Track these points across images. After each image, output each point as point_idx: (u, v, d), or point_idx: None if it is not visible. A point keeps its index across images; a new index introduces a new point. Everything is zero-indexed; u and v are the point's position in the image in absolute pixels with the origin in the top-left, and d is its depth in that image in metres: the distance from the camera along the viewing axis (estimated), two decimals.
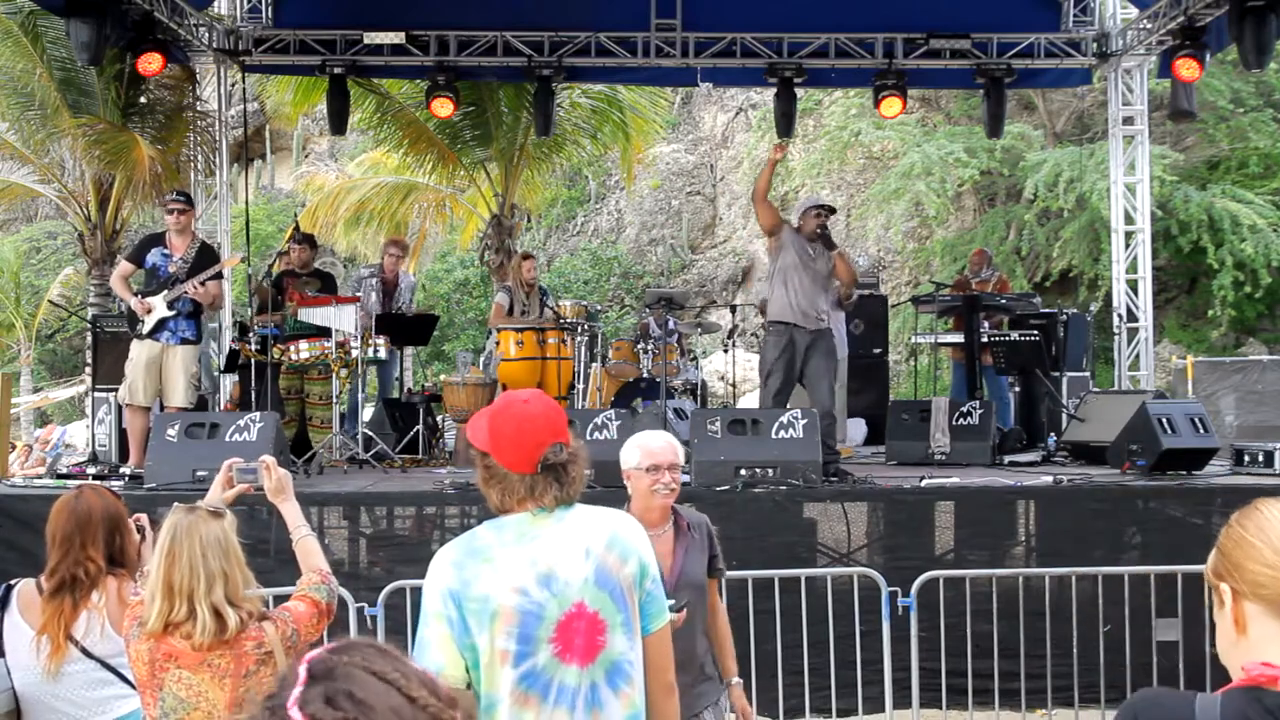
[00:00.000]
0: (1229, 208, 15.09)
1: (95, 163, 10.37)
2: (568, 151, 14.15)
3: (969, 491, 6.63)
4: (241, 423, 6.62)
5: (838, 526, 6.46)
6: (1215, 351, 15.76)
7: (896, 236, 19.32)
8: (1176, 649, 5.69)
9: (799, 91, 10.71)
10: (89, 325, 9.04)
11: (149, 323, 7.16)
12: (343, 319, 7.94)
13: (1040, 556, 6.36)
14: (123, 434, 7.74)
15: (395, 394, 9.89)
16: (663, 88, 13.63)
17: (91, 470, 7.47)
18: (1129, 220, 10.37)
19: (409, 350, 10.52)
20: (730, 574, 4.23)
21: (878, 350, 11.00)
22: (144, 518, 3.45)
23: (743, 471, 6.41)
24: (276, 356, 8.00)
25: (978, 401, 8.37)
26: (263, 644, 2.78)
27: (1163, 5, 9.20)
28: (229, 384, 9.53)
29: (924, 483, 6.70)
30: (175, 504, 2.91)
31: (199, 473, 6.24)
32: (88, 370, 10.26)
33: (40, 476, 8.52)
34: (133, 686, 3.02)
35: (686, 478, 6.07)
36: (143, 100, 10.49)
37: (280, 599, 3.28)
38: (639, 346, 9.78)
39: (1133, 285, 10.32)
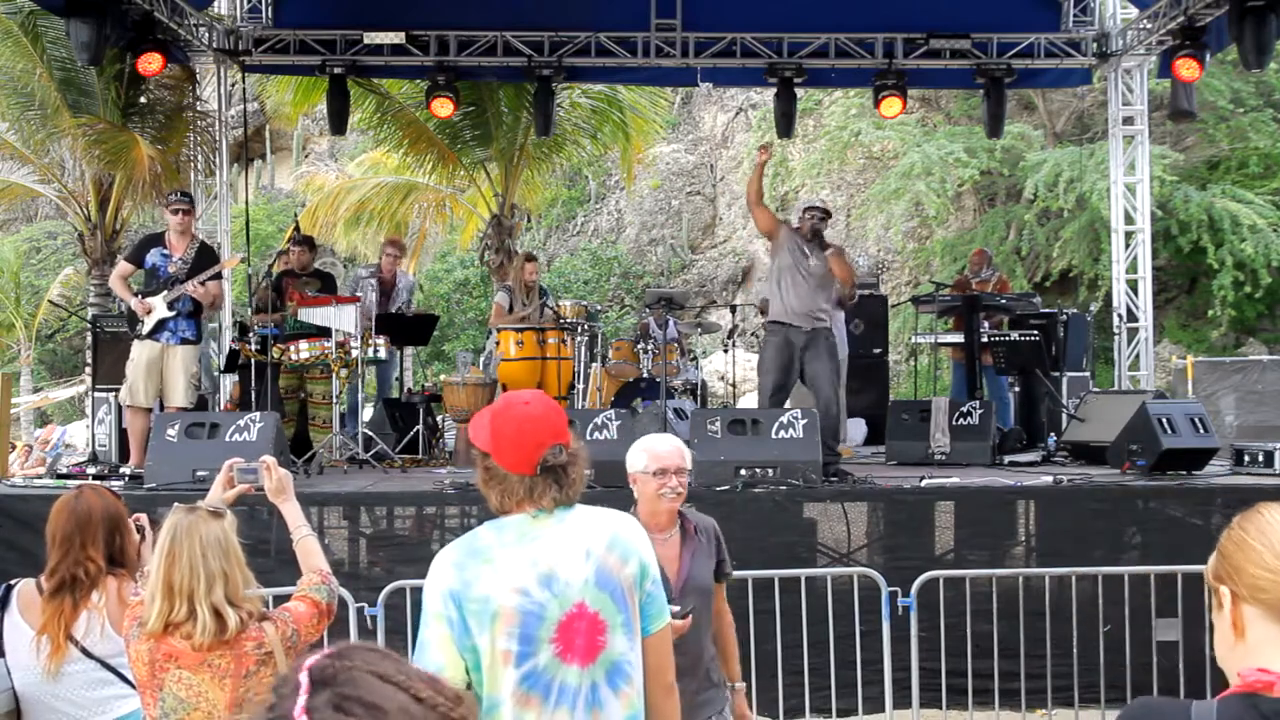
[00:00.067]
0: (1229, 208, 15.09)
1: (95, 163, 10.37)
2: (568, 151, 14.15)
3: (969, 491, 6.63)
4: (241, 423, 6.62)
5: (838, 526, 6.47)
6: (1215, 351, 15.76)
7: (896, 236, 19.32)
8: (1176, 649, 5.69)
9: (799, 91, 10.71)
10: (89, 325, 9.04)
11: (149, 323, 7.16)
12: (343, 319, 7.94)
13: (1040, 556, 6.36)
14: (123, 434, 7.74)
15: (395, 394, 9.90)
16: (663, 88, 13.63)
17: (91, 470, 7.47)
18: (1129, 220, 10.37)
19: (409, 350, 10.52)
20: None
21: (878, 350, 11.00)
22: (144, 518, 3.45)
23: (743, 471, 6.42)
24: (276, 356, 8.00)
25: (978, 401, 8.37)
26: (263, 644, 2.78)
27: (1163, 5, 9.20)
28: (229, 384, 9.53)
29: (924, 483, 6.70)
30: (175, 504, 2.91)
31: (199, 473, 6.25)
32: (88, 370, 10.26)
33: (40, 476, 8.52)
34: (133, 686, 3.02)
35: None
36: (143, 100, 10.49)
37: (281, 599, 3.28)
38: (639, 346, 9.78)
39: (1133, 285, 10.32)
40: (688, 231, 23.38)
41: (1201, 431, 6.90)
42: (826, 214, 7.32)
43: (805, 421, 6.60)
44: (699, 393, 10.33)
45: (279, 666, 2.78)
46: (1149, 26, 9.56)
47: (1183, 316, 17.45)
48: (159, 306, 7.15)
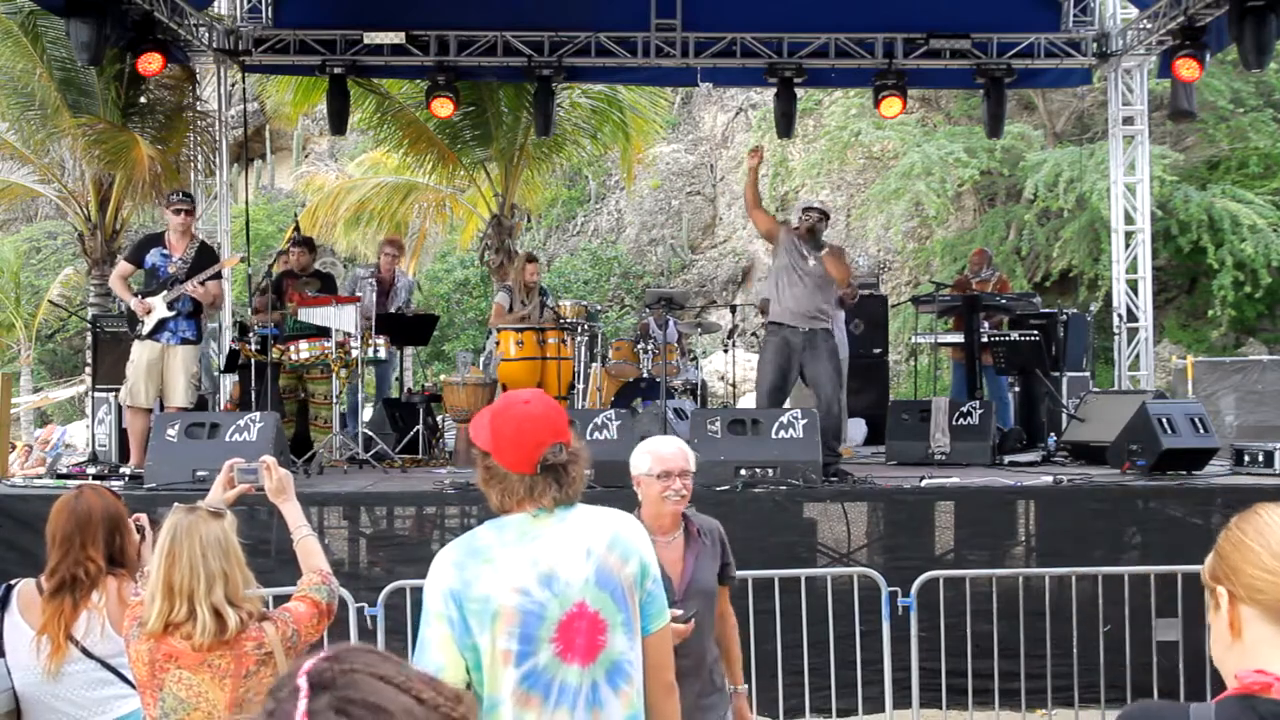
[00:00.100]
0: (1229, 208, 15.09)
1: (95, 163, 10.37)
2: (568, 151, 14.15)
3: (969, 491, 6.63)
4: (241, 423, 6.62)
5: (838, 526, 6.46)
6: (1215, 351, 15.76)
7: (896, 236, 19.32)
8: (1176, 649, 5.69)
9: (799, 91, 10.71)
10: (89, 325, 9.04)
11: (149, 323, 7.16)
12: (343, 319, 7.94)
13: (1040, 556, 6.35)
14: (123, 434, 7.74)
15: (395, 394, 9.90)
16: (663, 88, 13.63)
17: (91, 470, 7.47)
18: (1129, 220, 10.37)
19: (409, 350, 10.52)
20: None
21: (878, 350, 11.00)
22: (144, 518, 3.45)
23: (743, 471, 6.42)
24: (276, 357, 8.00)
25: (978, 401, 8.37)
26: (263, 644, 2.78)
27: (1163, 5, 9.20)
28: (229, 384, 9.53)
29: (924, 483, 6.70)
30: (175, 504, 2.90)
31: (199, 473, 6.24)
32: (88, 370, 10.25)
33: (40, 476, 8.52)
34: (133, 686, 3.02)
35: None
36: (143, 100, 10.49)
37: (281, 599, 3.28)
38: (639, 346, 9.78)
39: (1133, 285, 10.32)
40: (688, 231, 23.38)
41: (1201, 431, 6.90)
42: (824, 215, 7.27)
43: (805, 421, 6.60)
44: (699, 393, 10.33)
45: (279, 667, 2.78)
46: (1149, 26, 9.56)
47: (1183, 316, 17.45)
48: (159, 307, 7.15)
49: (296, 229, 9.47)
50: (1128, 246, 10.34)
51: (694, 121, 24.40)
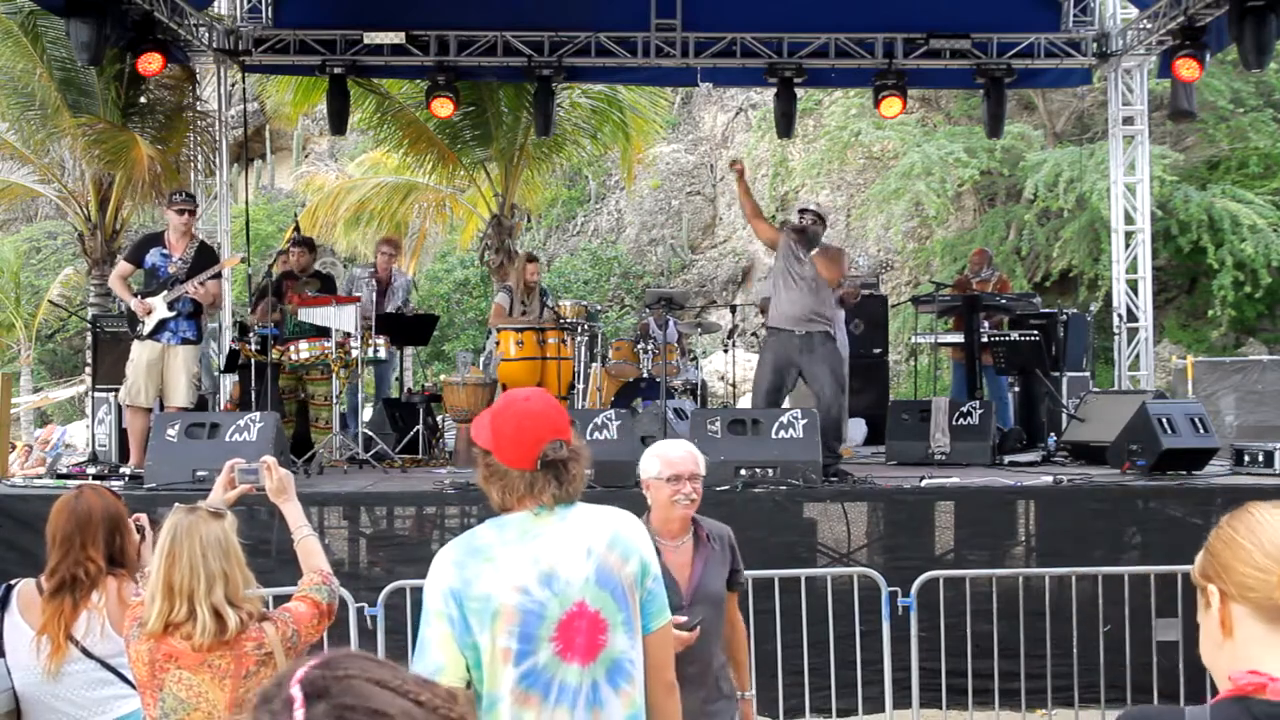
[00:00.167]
0: (1229, 208, 15.09)
1: (95, 163, 10.37)
2: (568, 151, 14.15)
3: (969, 491, 6.62)
4: (241, 423, 6.62)
5: (838, 526, 6.46)
6: (1215, 351, 15.76)
7: (896, 236, 19.32)
8: (1176, 649, 5.68)
9: (799, 91, 10.71)
10: (89, 325, 9.04)
11: (149, 323, 7.16)
12: (342, 319, 7.94)
13: (1040, 556, 6.35)
14: (123, 434, 7.74)
15: (395, 394, 9.90)
16: (663, 88, 13.63)
17: (91, 470, 7.46)
18: (1129, 220, 10.37)
19: (409, 350, 10.52)
20: None
21: (878, 350, 11.00)
22: (144, 518, 3.45)
23: (743, 471, 6.41)
24: (276, 357, 8.00)
25: (978, 401, 8.37)
26: (263, 645, 2.78)
27: (1163, 5, 9.20)
28: (229, 384, 9.53)
29: (924, 483, 6.70)
30: (175, 504, 2.90)
31: (199, 473, 6.24)
32: (88, 370, 10.25)
33: (40, 476, 8.52)
34: (133, 686, 3.02)
35: None
36: (143, 100, 10.49)
37: (281, 599, 3.28)
38: (639, 346, 9.78)
39: (1133, 285, 10.32)
40: (688, 231, 23.38)
41: (1201, 431, 6.90)
42: (819, 218, 7.21)
43: (805, 421, 6.60)
44: (699, 393, 10.34)
45: (279, 667, 2.78)
46: (1149, 26, 9.56)
47: (1183, 316, 17.45)
48: (159, 307, 7.15)
49: (296, 229, 9.47)
50: (1128, 246, 10.34)
51: (694, 121, 24.41)
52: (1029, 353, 8.81)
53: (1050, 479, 6.82)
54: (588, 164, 20.20)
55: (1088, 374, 9.51)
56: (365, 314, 8.22)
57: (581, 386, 9.24)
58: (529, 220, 20.16)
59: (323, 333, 8.01)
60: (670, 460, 3.33)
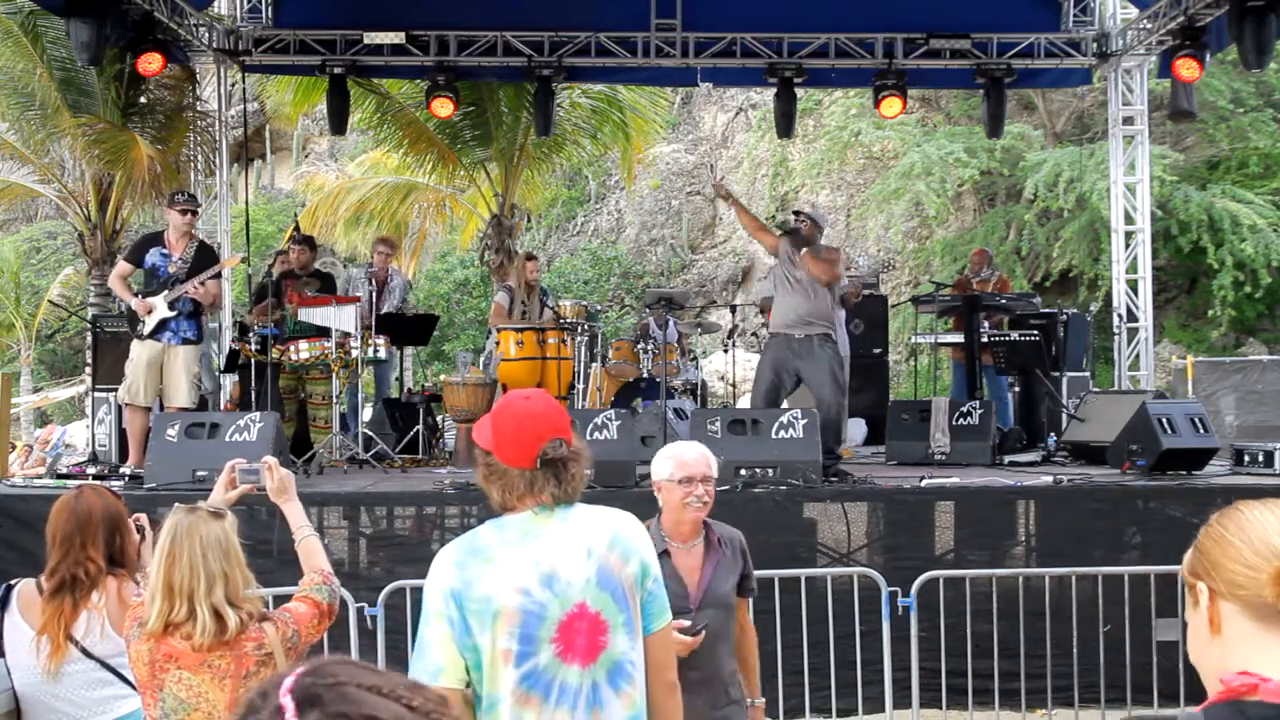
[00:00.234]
0: (1229, 208, 15.09)
1: (95, 163, 10.37)
2: (568, 151, 14.15)
3: (969, 491, 6.62)
4: (241, 423, 6.62)
5: (838, 526, 6.46)
6: (1215, 351, 15.76)
7: (896, 236, 19.32)
8: (1176, 649, 5.68)
9: (799, 91, 10.71)
10: (89, 325, 9.04)
11: (150, 323, 7.16)
12: (342, 319, 7.94)
13: (1040, 556, 6.35)
14: (123, 434, 7.74)
15: (395, 394, 9.90)
16: (663, 88, 13.63)
17: (91, 470, 7.46)
18: (1129, 220, 10.37)
19: (409, 350, 10.52)
20: None
21: (878, 350, 11.00)
22: (144, 518, 3.45)
23: (743, 471, 6.41)
24: (276, 357, 8.00)
25: (978, 401, 8.37)
26: (263, 645, 2.78)
27: (1163, 5, 9.20)
28: (229, 384, 9.53)
29: (924, 483, 6.70)
30: (176, 504, 2.90)
31: (199, 473, 6.24)
32: (88, 370, 10.25)
33: (40, 476, 8.52)
34: (133, 687, 3.02)
35: None
36: (143, 100, 10.49)
37: (282, 599, 3.28)
38: (639, 346, 9.78)
39: (1133, 285, 10.32)
40: (688, 231, 23.38)
41: (1201, 431, 6.90)
42: (811, 219, 7.17)
43: (805, 421, 6.60)
44: (699, 393, 10.34)
45: (279, 667, 2.78)
46: (1149, 26, 9.56)
47: (1183, 316, 17.45)
48: (160, 306, 7.15)
49: (296, 229, 9.47)
50: (1128, 246, 10.34)
51: (694, 121, 24.41)
52: (1029, 353, 8.81)
53: (1050, 479, 6.82)
54: (588, 164, 20.20)
55: (1088, 374, 9.51)
56: (362, 314, 8.22)
57: (581, 386, 9.24)
58: (529, 220, 20.16)
59: (323, 333, 8.00)
60: (683, 462, 3.31)
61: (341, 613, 4.53)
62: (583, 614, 2.31)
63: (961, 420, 8.06)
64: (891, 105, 10.13)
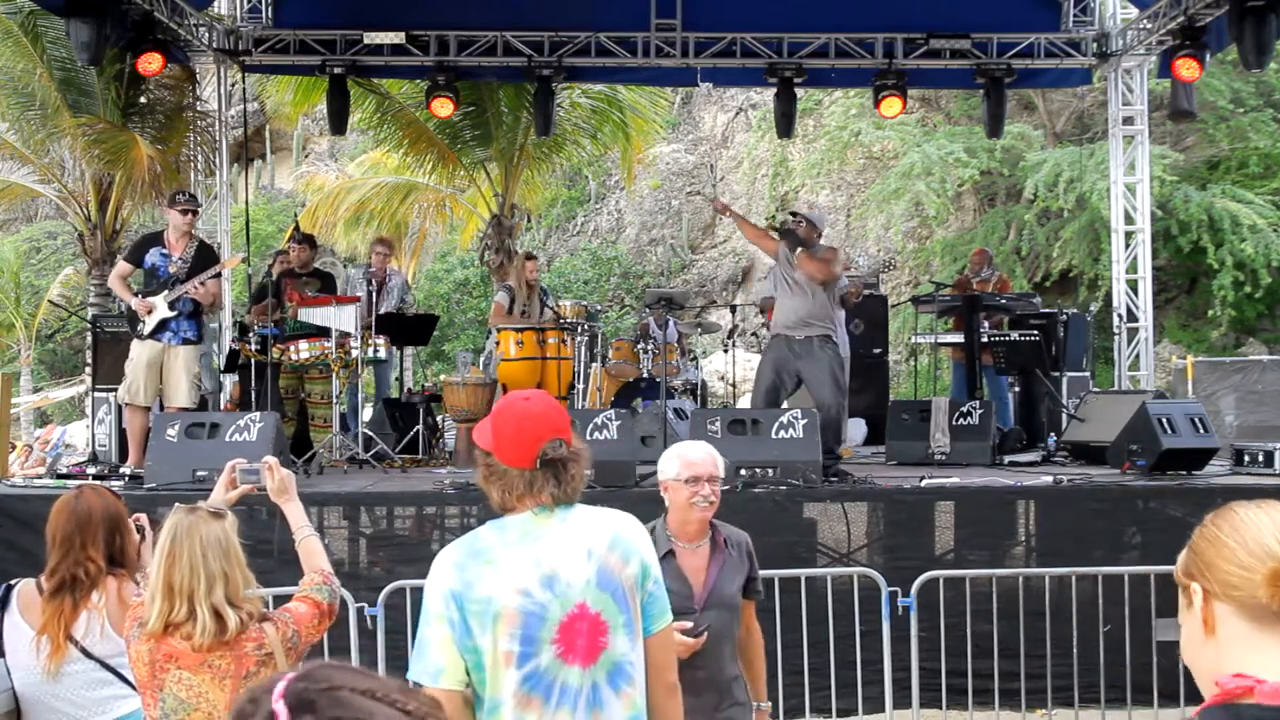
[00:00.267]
0: (1229, 208, 15.09)
1: (95, 163, 10.37)
2: (568, 151, 14.15)
3: (969, 491, 6.62)
4: (241, 423, 6.62)
5: (838, 526, 6.46)
6: (1215, 351, 15.76)
7: (896, 236, 19.32)
8: (1176, 649, 5.67)
9: (799, 91, 10.71)
10: (89, 325, 9.04)
11: (150, 323, 7.16)
12: (342, 319, 7.94)
13: (1040, 556, 6.35)
14: (123, 434, 7.74)
15: (395, 394, 9.90)
16: (663, 88, 13.63)
17: (91, 470, 7.46)
18: (1129, 220, 10.37)
19: (409, 350, 10.52)
20: None
21: (878, 350, 11.00)
22: (144, 518, 3.45)
23: (743, 471, 6.41)
24: (276, 356, 8.00)
25: (978, 401, 8.37)
26: (263, 645, 2.78)
27: (1163, 5, 9.20)
28: (229, 384, 9.53)
29: (924, 483, 6.70)
30: (176, 504, 2.90)
31: (199, 473, 6.24)
32: (88, 370, 10.25)
33: (40, 476, 8.52)
34: (132, 687, 3.02)
35: None
36: (143, 100, 10.49)
37: (282, 599, 3.28)
38: (639, 346, 9.78)
39: (1133, 285, 10.32)
40: (688, 231, 23.38)
41: (1201, 431, 6.90)
42: (806, 220, 7.15)
43: (805, 421, 6.60)
44: (699, 393, 10.34)
45: (279, 668, 2.78)
46: (1149, 26, 9.56)
47: (1183, 316, 17.45)
48: (160, 306, 7.15)
49: (296, 229, 9.47)
50: (1128, 246, 10.34)
51: (694, 121, 24.40)
52: (1029, 353, 8.81)
53: (1050, 479, 6.82)
54: (588, 164, 20.20)
55: (1088, 374, 9.51)
56: (361, 314, 8.21)
57: (581, 386, 9.24)
58: (529, 220, 20.16)
59: (323, 332, 8.00)
60: (690, 461, 3.31)
61: (341, 613, 4.53)
62: (583, 615, 2.31)
63: (961, 420, 8.06)
64: (891, 105, 10.13)
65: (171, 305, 7.14)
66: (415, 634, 2.34)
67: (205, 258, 7.32)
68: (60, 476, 7.61)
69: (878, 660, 5.55)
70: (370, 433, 8.23)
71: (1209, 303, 16.06)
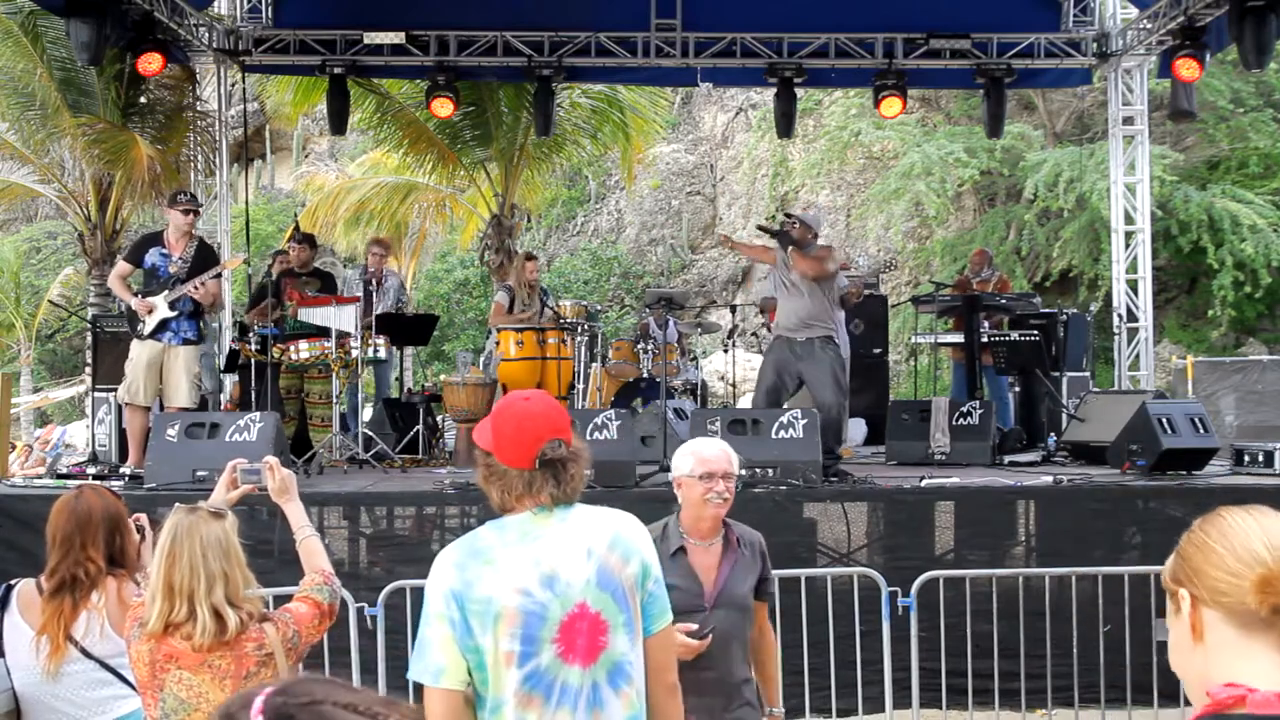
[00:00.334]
0: (1229, 208, 15.08)
1: (95, 163, 10.38)
2: (568, 151, 14.15)
3: (969, 491, 6.62)
4: (241, 423, 6.62)
5: (838, 526, 6.46)
6: (1215, 351, 15.75)
7: (896, 236, 19.31)
8: None
9: (799, 91, 10.71)
10: (89, 325, 9.04)
11: (150, 323, 7.15)
12: (342, 319, 7.94)
13: (1040, 556, 6.35)
14: (123, 434, 7.74)
15: (395, 394, 9.89)
16: (663, 88, 13.63)
17: (91, 470, 7.46)
18: (1129, 220, 10.37)
19: (409, 350, 10.52)
20: None
21: (878, 350, 11.00)
22: (144, 518, 3.45)
23: (743, 471, 6.39)
24: (276, 356, 8.00)
25: (978, 401, 8.37)
26: (263, 645, 2.78)
27: (1163, 5, 9.20)
28: (229, 384, 9.53)
29: (924, 483, 6.70)
30: (176, 504, 2.90)
31: (199, 473, 6.24)
32: (88, 370, 10.25)
33: (40, 476, 8.52)
34: (132, 687, 3.02)
35: None
36: (143, 100, 10.49)
37: (282, 599, 3.28)
38: (639, 346, 9.78)
39: (1133, 285, 10.33)
40: (688, 231, 23.38)
41: (1201, 431, 6.90)
42: (801, 221, 7.14)
43: (805, 421, 6.60)
44: (699, 393, 10.34)
45: (279, 668, 2.78)
46: (1149, 26, 9.56)
47: (1183, 316, 17.45)
48: (160, 306, 7.15)
49: (296, 228, 9.47)
50: (1128, 246, 10.34)
51: (694, 121, 24.40)
52: (1029, 353, 8.81)
53: (1050, 479, 6.82)
54: (588, 164, 20.20)
55: (1088, 374, 9.51)
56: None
57: (581, 386, 9.24)
58: (529, 220, 20.16)
59: (323, 332, 8.00)
60: (704, 458, 3.30)
61: (341, 613, 4.53)
62: (583, 614, 2.31)
63: (961, 420, 8.06)
64: (891, 105, 10.13)
65: (172, 305, 7.14)
66: (415, 634, 2.34)
67: (205, 258, 7.32)
68: (60, 476, 7.61)
69: (878, 660, 5.55)
70: (370, 433, 8.23)
71: (1209, 303, 16.06)
